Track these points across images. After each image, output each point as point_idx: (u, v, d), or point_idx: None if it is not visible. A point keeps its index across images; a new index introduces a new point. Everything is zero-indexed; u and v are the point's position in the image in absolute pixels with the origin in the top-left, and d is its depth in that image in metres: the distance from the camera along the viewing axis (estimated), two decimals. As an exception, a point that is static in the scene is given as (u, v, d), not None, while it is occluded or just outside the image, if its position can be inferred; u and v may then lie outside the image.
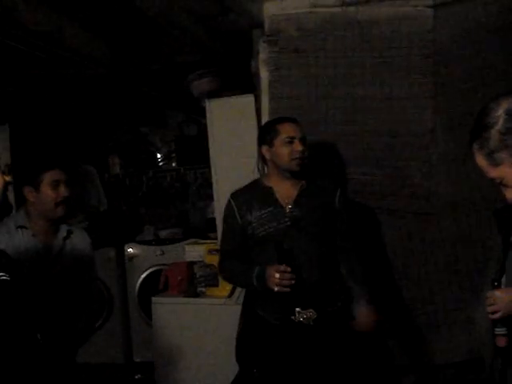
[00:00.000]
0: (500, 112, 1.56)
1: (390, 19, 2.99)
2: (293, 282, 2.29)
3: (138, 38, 3.86)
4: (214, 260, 3.60)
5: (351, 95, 3.03)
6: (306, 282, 2.42)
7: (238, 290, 3.50)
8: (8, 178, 4.06)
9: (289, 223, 2.47)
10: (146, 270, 4.74)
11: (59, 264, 2.57)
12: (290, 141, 2.48)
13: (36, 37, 3.24)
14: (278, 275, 2.30)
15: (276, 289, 2.31)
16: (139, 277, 4.76)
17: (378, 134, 3.02)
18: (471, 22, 2.98)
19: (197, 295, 3.67)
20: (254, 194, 2.56)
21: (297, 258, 2.40)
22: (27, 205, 2.58)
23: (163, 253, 4.72)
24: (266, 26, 3.06)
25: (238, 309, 3.23)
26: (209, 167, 3.75)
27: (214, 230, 3.76)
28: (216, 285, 3.64)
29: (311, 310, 2.44)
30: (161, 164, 5.71)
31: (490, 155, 1.60)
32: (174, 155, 5.60)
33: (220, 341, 3.44)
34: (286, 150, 2.48)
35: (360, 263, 2.62)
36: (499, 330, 1.87)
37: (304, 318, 2.43)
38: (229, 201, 2.61)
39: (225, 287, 3.60)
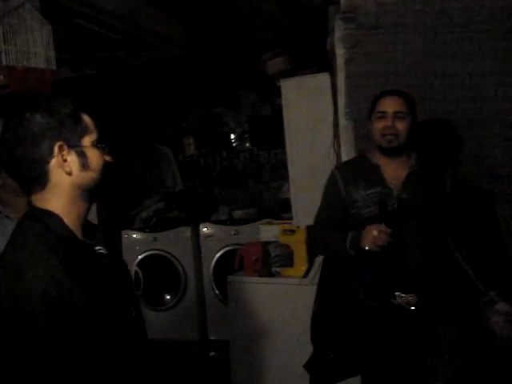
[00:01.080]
0: None
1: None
2: (386, 244, 2.20)
3: (213, 17, 3.86)
4: (289, 240, 3.64)
5: (432, 72, 2.92)
6: (408, 266, 2.35)
7: (314, 270, 3.49)
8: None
9: (396, 206, 2.36)
10: (221, 250, 4.81)
11: None
12: (382, 116, 2.39)
13: (112, 18, 3.29)
14: (375, 232, 2.22)
15: (367, 247, 2.24)
16: (214, 256, 4.83)
17: (461, 112, 2.92)
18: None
19: (272, 275, 3.68)
20: (360, 170, 2.47)
21: (402, 241, 2.33)
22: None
23: (237, 232, 4.77)
24: (342, 1, 2.99)
25: (313, 289, 3.19)
26: (283, 148, 3.74)
27: (288, 211, 3.76)
28: (291, 265, 3.64)
29: (412, 295, 2.36)
30: (234, 145, 5.72)
31: None
32: (247, 136, 5.60)
33: (295, 321, 3.44)
34: (377, 125, 2.41)
35: (481, 256, 2.45)
36: None
37: (404, 302, 2.36)
38: (332, 173, 2.54)
39: (300, 267, 3.60)
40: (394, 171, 2.41)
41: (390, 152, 2.40)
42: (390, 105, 2.38)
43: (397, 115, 2.36)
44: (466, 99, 2.91)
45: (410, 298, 2.35)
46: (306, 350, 3.08)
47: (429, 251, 2.39)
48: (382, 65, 2.98)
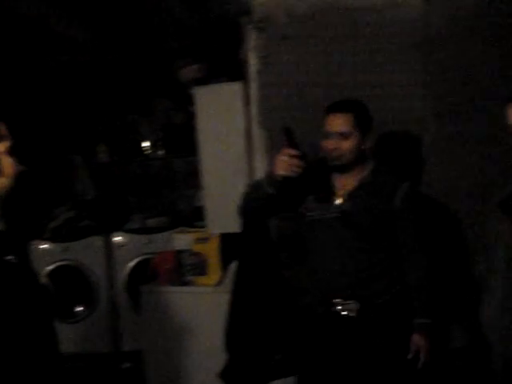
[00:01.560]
0: None
1: (381, 7, 2.99)
2: (301, 169, 2.21)
3: (126, 23, 3.81)
4: (202, 248, 3.61)
5: (341, 83, 3.00)
6: (345, 274, 2.38)
7: (227, 278, 3.48)
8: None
9: (336, 215, 2.39)
10: (134, 259, 4.72)
11: None
12: (327, 135, 2.39)
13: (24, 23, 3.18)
14: (285, 157, 2.22)
15: (281, 172, 2.24)
16: (127, 266, 4.73)
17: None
18: (462, 10, 3.00)
19: (185, 284, 3.65)
20: (317, 172, 2.47)
21: (337, 250, 2.38)
22: None
23: (151, 241, 4.69)
24: (255, 12, 3.04)
25: (227, 297, 3.20)
26: (197, 155, 3.72)
27: (203, 219, 3.74)
28: (204, 273, 3.61)
29: (353, 301, 2.39)
30: (148, 152, 5.64)
31: None
32: (161, 143, 5.54)
33: (209, 330, 3.42)
34: (323, 143, 2.41)
35: (428, 277, 2.46)
36: None
37: (346, 309, 2.40)
38: None
39: (213, 276, 3.59)
40: (344, 181, 2.43)
41: (336, 169, 2.43)
42: (333, 125, 2.37)
43: (341, 135, 2.36)
44: (376, 110, 3.00)
45: (351, 304, 2.39)
46: (221, 358, 3.08)
47: (366, 262, 2.40)
48: (293, 75, 3.03)
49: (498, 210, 2.13)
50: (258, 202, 2.42)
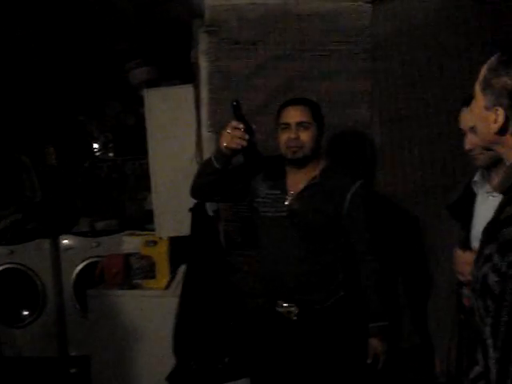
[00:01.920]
0: None
1: (330, 13, 3.03)
2: (244, 142, 2.19)
3: (76, 23, 3.75)
4: (151, 252, 3.60)
5: (290, 88, 3.03)
6: (286, 275, 2.38)
7: (176, 281, 3.47)
8: None
9: (284, 214, 2.39)
10: (82, 262, 4.62)
11: None
12: (285, 127, 2.39)
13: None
14: (229, 129, 2.21)
15: (225, 144, 2.22)
16: (75, 269, 4.63)
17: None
18: (409, 19, 3.04)
19: (133, 287, 3.62)
20: (273, 169, 2.47)
21: (284, 249, 2.38)
22: None
23: (99, 244, 4.60)
24: (207, 15, 3.03)
25: (175, 301, 3.21)
26: (147, 158, 3.70)
27: (152, 222, 3.72)
28: (153, 277, 3.60)
29: (293, 305, 2.40)
30: (98, 154, 5.57)
31: None
32: (111, 145, 5.47)
33: (157, 333, 3.40)
34: (281, 137, 2.40)
35: (381, 279, 2.45)
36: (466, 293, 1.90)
37: (287, 311, 2.41)
38: None
39: (162, 279, 3.57)
40: (296, 180, 2.43)
41: (295, 163, 2.42)
42: (292, 115, 2.38)
43: (300, 125, 2.37)
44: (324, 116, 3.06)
45: (292, 308, 2.40)
46: (169, 361, 3.07)
47: (313, 263, 2.40)
48: (242, 79, 3.04)
49: (447, 213, 2.18)
50: (207, 178, 2.39)
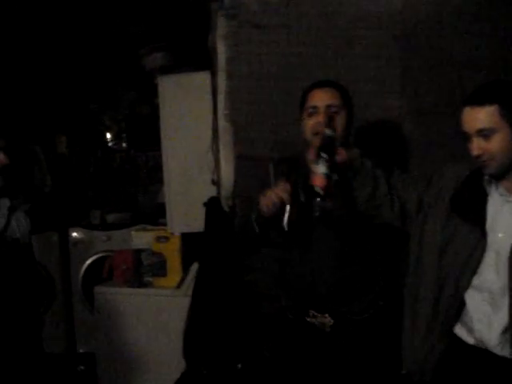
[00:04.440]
0: None
1: (358, -2, 2.86)
2: (276, 202, 1.95)
3: (88, 7, 3.62)
4: (162, 248, 3.47)
5: (314, 76, 2.85)
6: (322, 282, 2.13)
7: (188, 280, 3.34)
8: None
9: (317, 214, 2.03)
10: (91, 257, 4.52)
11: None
12: (313, 111, 2.11)
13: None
14: (269, 192, 1.97)
15: (264, 208, 1.98)
16: (84, 263, 4.53)
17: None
18: (442, 5, 2.86)
19: (143, 285, 3.50)
20: (297, 168, 2.18)
21: (321, 256, 2.13)
22: None
23: (110, 238, 4.50)
24: (225, -2, 2.89)
25: (187, 300, 3.09)
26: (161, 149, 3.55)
27: (164, 216, 3.57)
28: (164, 274, 3.46)
29: (327, 315, 2.15)
30: (110, 144, 5.47)
31: None
32: (124, 135, 5.37)
33: (166, 334, 3.30)
34: (308, 123, 2.12)
35: None
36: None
37: (319, 322, 2.16)
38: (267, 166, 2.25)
39: (173, 277, 3.44)
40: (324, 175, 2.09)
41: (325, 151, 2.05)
42: (321, 98, 2.11)
43: (330, 109, 2.09)
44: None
45: (325, 319, 2.16)
46: (178, 365, 2.96)
47: (352, 269, 2.15)
48: (264, 66, 2.89)
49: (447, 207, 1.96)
50: (249, 236, 2.21)
